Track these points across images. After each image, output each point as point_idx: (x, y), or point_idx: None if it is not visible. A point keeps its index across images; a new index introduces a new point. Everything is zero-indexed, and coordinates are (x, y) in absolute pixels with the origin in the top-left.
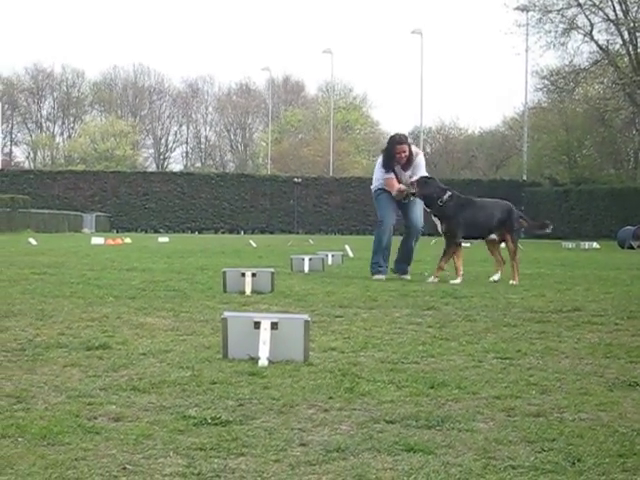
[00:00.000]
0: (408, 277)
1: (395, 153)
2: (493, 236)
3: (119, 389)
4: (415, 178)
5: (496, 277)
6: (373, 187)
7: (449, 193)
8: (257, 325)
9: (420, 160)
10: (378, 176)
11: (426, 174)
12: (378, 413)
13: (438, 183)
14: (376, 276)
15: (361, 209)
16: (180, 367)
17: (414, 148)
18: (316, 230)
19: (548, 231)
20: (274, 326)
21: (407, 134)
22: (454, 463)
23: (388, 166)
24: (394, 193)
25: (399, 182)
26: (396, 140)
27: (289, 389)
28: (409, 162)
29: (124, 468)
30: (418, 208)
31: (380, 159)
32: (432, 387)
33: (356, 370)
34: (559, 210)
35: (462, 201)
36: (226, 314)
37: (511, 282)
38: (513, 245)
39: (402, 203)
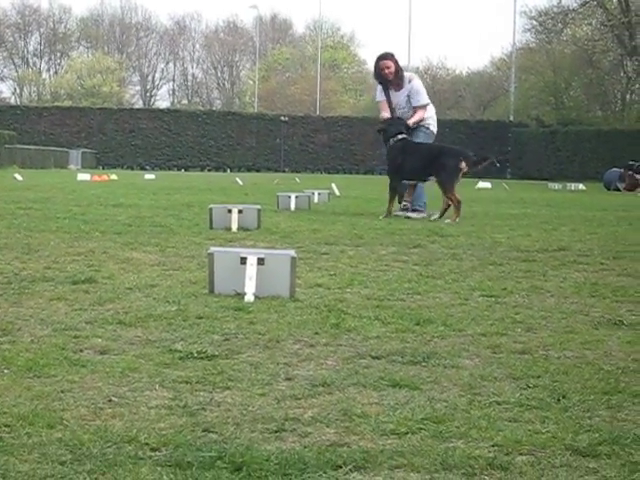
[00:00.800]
0: (424, 214)
1: (380, 69)
2: (432, 178)
3: (105, 323)
4: (386, 116)
5: (434, 216)
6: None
7: (399, 137)
8: (243, 261)
9: (416, 85)
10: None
11: (427, 101)
12: (364, 349)
13: (400, 127)
14: (408, 214)
15: (348, 148)
16: (166, 302)
17: (408, 73)
18: (302, 169)
19: (495, 164)
20: (260, 262)
21: (392, 54)
22: (439, 399)
23: (381, 83)
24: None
25: (390, 106)
26: (380, 56)
27: (275, 324)
28: (399, 81)
29: (110, 400)
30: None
31: (377, 87)
32: (418, 324)
33: (342, 306)
34: (545, 151)
35: (406, 145)
36: (212, 249)
37: (446, 221)
38: (444, 186)
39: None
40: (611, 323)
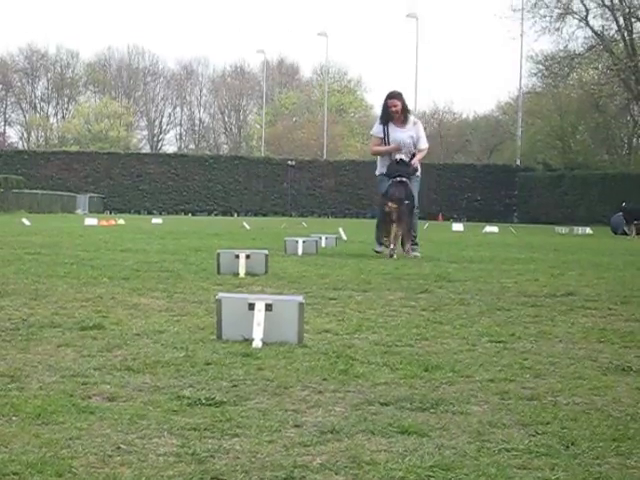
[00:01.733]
0: (418, 254)
1: (388, 106)
2: None
3: (113, 369)
4: (398, 156)
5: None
6: (377, 172)
7: (399, 179)
8: (251, 306)
9: (421, 129)
10: (379, 159)
11: (427, 145)
12: (372, 395)
13: (405, 171)
14: (377, 248)
15: (355, 192)
16: (174, 348)
17: (413, 117)
18: (309, 213)
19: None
20: (268, 307)
21: (400, 92)
22: (448, 445)
23: (382, 118)
24: (372, 151)
25: (386, 140)
26: (390, 94)
27: (283, 370)
28: (404, 119)
29: (118, 448)
30: (414, 187)
31: (377, 121)
32: (426, 370)
33: (350, 352)
34: (552, 195)
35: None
36: (220, 295)
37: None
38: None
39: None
40: (619, 369)
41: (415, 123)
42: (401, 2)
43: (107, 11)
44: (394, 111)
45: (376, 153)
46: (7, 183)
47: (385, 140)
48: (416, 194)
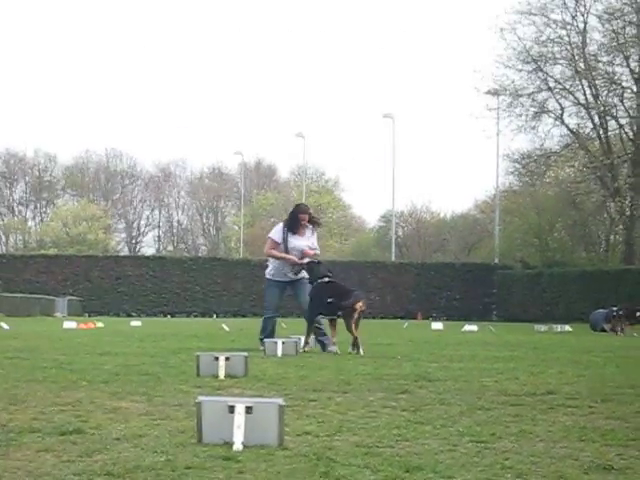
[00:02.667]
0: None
1: (298, 219)
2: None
3: (93, 474)
4: (307, 260)
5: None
6: (267, 275)
7: (326, 279)
8: (231, 409)
9: (315, 237)
10: (271, 260)
11: (318, 251)
12: None
13: (326, 271)
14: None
15: None
16: (154, 452)
17: (311, 227)
18: (289, 314)
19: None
20: (248, 410)
21: (309, 207)
22: None
23: (288, 226)
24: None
25: (283, 246)
26: (301, 208)
27: (264, 474)
28: (305, 230)
29: None
30: (305, 290)
31: (279, 226)
32: (407, 471)
33: (331, 454)
34: (531, 293)
35: (334, 286)
36: (200, 398)
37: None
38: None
39: (294, 284)
40: (601, 468)
41: (313, 233)
42: (378, 103)
43: (85, 114)
44: (303, 224)
45: (271, 255)
46: None
47: (283, 245)
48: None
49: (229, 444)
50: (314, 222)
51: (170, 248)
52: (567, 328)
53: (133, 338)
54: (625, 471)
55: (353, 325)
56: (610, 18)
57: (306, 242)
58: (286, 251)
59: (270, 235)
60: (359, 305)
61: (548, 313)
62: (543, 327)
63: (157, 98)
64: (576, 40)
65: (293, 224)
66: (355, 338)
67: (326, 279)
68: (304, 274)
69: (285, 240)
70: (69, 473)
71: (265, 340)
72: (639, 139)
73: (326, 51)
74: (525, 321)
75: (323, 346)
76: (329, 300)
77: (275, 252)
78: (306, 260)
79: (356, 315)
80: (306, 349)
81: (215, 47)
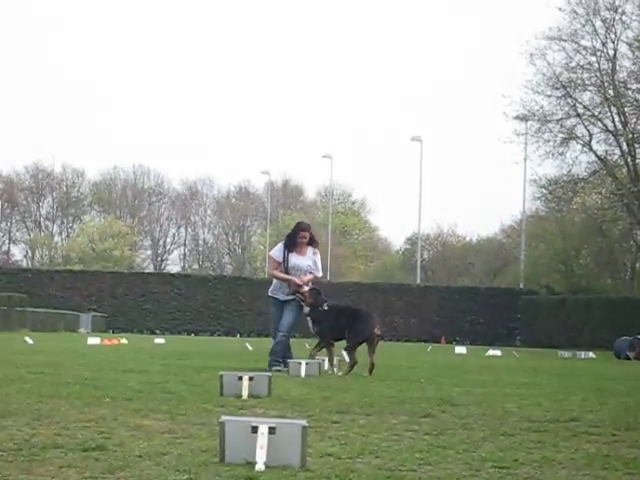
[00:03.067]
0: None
1: (299, 237)
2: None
3: None
4: (307, 289)
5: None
6: (270, 293)
7: (326, 307)
8: (255, 429)
9: (318, 259)
10: (275, 281)
11: (320, 273)
12: None
13: (322, 295)
14: (274, 368)
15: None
16: (177, 470)
17: (313, 248)
18: (313, 334)
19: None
20: (272, 431)
21: (310, 225)
22: None
23: (288, 244)
24: (271, 273)
25: (285, 264)
26: (302, 226)
27: None
28: (305, 249)
29: None
30: (291, 312)
31: (280, 244)
32: None
33: (353, 476)
34: (556, 319)
35: (334, 309)
36: (224, 418)
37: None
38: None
39: (285, 302)
40: None
41: (315, 253)
42: (406, 125)
43: (113, 131)
44: (302, 242)
45: (274, 276)
46: (10, 301)
47: (284, 265)
48: (292, 318)
49: (251, 464)
50: (313, 241)
51: (195, 266)
52: (591, 355)
53: (157, 356)
54: None
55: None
56: None
57: (307, 261)
58: (286, 270)
59: (271, 254)
60: (377, 329)
61: (572, 339)
62: (567, 353)
63: (185, 116)
64: (606, 67)
65: (292, 242)
66: (372, 364)
67: (325, 307)
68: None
69: (285, 259)
70: None
71: (289, 361)
72: None
73: (356, 73)
74: (549, 347)
75: (285, 364)
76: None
77: (278, 273)
78: (306, 288)
79: (376, 341)
80: (332, 370)
81: (244, 67)
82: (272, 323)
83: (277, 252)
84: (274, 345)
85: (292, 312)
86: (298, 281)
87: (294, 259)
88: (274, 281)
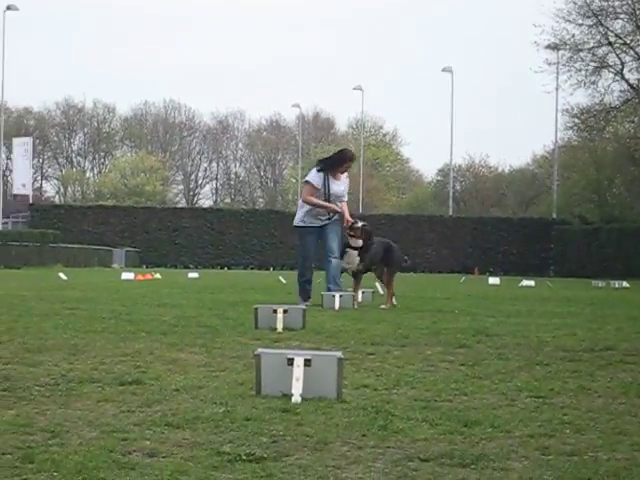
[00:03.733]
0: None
1: (345, 164)
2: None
3: (153, 425)
4: (360, 225)
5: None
6: (300, 223)
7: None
8: (290, 362)
9: (347, 182)
10: (301, 205)
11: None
12: (412, 451)
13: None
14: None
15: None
16: (213, 403)
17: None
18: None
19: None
20: (307, 363)
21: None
22: None
23: (327, 169)
24: (307, 200)
25: (325, 191)
26: (351, 156)
27: (323, 426)
28: (339, 174)
29: None
30: (336, 234)
31: (316, 171)
32: (465, 425)
33: (389, 408)
34: (589, 248)
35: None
36: (259, 350)
37: (381, 306)
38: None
39: (324, 227)
40: None
41: (347, 177)
42: (436, 56)
43: (143, 66)
44: (344, 170)
45: (311, 203)
46: (44, 238)
47: (324, 191)
48: (338, 238)
49: (288, 396)
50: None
51: (227, 200)
52: (625, 284)
53: (191, 290)
54: None
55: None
56: None
57: (342, 187)
58: (327, 198)
59: (308, 179)
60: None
61: (606, 269)
62: (601, 283)
63: (216, 50)
64: None
65: (334, 169)
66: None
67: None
68: (336, 216)
69: (326, 186)
70: (129, 423)
71: (322, 293)
72: None
73: (385, 4)
74: (582, 277)
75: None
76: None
77: (316, 200)
78: (359, 224)
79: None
80: (355, 306)
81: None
82: (304, 253)
83: (317, 178)
84: (331, 269)
85: (337, 234)
86: (337, 209)
87: (335, 186)
88: (303, 209)
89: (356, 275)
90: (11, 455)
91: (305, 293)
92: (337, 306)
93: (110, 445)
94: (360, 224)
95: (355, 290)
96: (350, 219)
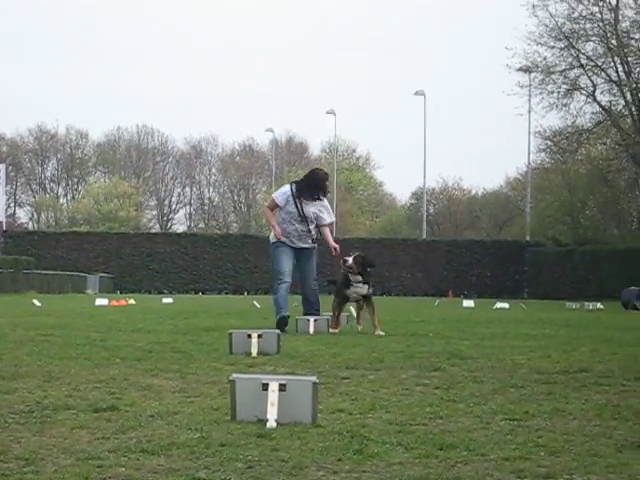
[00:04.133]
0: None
1: (324, 188)
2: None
3: (128, 451)
4: (351, 259)
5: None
6: (271, 238)
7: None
8: (265, 387)
9: (327, 203)
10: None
11: (333, 218)
12: (387, 475)
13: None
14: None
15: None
16: (188, 429)
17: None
18: (321, 291)
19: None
20: (282, 388)
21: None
22: None
23: (303, 194)
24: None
25: (300, 211)
26: (326, 175)
27: (298, 451)
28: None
29: None
30: (309, 267)
31: (286, 188)
32: (441, 449)
33: (364, 432)
34: (563, 270)
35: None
36: (234, 376)
37: (378, 332)
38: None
39: (299, 252)
40: (635, 446)
41: (322, 199)
42: (408, 80)
43: (116, 92)
44: (323, 193)
45: (264, 213)
46: (17, 264)
47: (298, 213)
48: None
49: (263, 421)
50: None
51: (201, 225)
52: (599, 306)
53: (165, 315)
54: None
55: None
56: None
57: (316, 209)
58: (304, 219)
59: (275, 196)
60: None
61: (580, 291)
62: (575, 304)
63: (188, 75)
64: (608, 17)
65: (315, 191)
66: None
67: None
68: (313, 244)
69: (299, 208)
70: (104, 450)
71: (297, 317)
72: None
73: (358, 27)
74: (556, 299)
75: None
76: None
77: (268, 214)
78: (350, 260)
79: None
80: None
81: (245, 23)
82: (276, 268)
83: (280, 196)
84: (310, 295)
85: (312, 261)
86: (281, 237)
87: (309, 207)
88: (277, 226)
89: (343, 302)
90: None
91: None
92: (312, 330)
93: (85, 472)
94: (351, 258)
95: (337, 316)
96: (333, 244)
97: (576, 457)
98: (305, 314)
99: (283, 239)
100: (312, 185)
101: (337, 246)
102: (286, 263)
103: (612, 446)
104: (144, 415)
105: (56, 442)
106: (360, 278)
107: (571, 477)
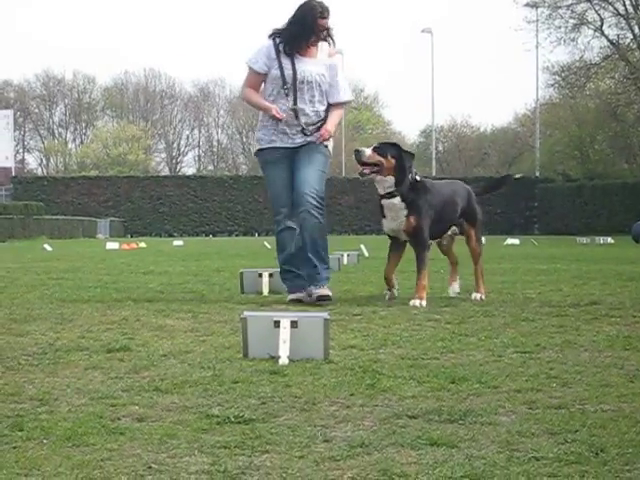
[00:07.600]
0: (327, 292)
1: (316, 28)
2: (454, 229)
3: (141, 390)
4: (370, 148)
5: (456, 289)
6: (256, 141)
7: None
8: (277, 324)
9: (338, 62)
10: (261, 118)
11: (349, 95)
12: (400, 408)
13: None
14: (290, 296)
15: (374, 209)
16: (201, 367)
17: (324, 45)
18: (330, 230)
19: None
20: (294, 324)
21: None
22: (478, 456)
23: (291, 43)
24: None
25: (284, 75)
26: (320, 9)
27: (310, 387)
28: (313, 47)
29: (149, 467)
30: (309, 163)
31: (269, 44)
32: (453, 382)
33: (376, 367)
34: (573, 205)
35: (427, 184)
36: (246, 314)
37: (475, 296)
38: (477, 243)
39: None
40: None
41: (331, 55)
42: (416, 17)
43: (123, 35)
44: (317, 37)
45: (249, 102)
46: (28, 210)
47: (281, 74)
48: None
49: (275, 359)
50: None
51: (210, 167)
52: (609, 240)
53: (176, 258)
54: None
55: None
56: None
57: (320, 68)
58: (294, 85)
59: (247, 61)
60: None
61: (590, 226)
62: (585, 239)
63: (194, 17)
64: None
65: (304, 36)
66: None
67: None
68: (315, 134)
69: (280, 66)
70: (117, 389)
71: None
72: None
73: None
74: (567, 234)
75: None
76: None
77: (255, 97)
78: (368, 152)
79: None
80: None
81: None
82: (273, 194)
83: (258, 55)
84: (308, 228)
85: (315, 164)
86: (277, 114)
87: (303, 64)
88: (261, 122)
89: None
90: (0, 423)
91: (291, 282)
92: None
93: (99, 411)
94: (370, 149)
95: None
96: (330, 131)
97: (588, 388)
98: (307, 260)
99: (273, 139)
100: (306, 25)
101: (330, 132)
102: (284, 191)
103: (623, 376)
104: (157, 354)
105: (69, 382)
106: (394, 189)
107: (583, 407)
